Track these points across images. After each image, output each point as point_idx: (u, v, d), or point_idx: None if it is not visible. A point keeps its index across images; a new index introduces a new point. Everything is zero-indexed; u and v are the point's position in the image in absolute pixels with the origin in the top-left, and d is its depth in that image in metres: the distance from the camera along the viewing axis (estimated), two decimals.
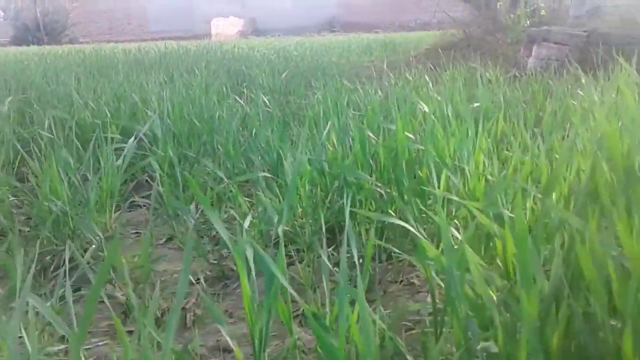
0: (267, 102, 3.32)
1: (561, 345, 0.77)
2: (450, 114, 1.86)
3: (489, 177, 1.47)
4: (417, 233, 0.95)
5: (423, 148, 1.67)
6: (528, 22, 5.42)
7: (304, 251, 1.62)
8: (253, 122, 2.65)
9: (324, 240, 0.98)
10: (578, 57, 4.84)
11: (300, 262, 1.58)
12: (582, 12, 5.35)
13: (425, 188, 1.59)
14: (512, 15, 5.37)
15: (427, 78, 2.91)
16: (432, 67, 5.02)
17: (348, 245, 0.94)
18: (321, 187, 1.84)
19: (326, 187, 1.83)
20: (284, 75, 4.38)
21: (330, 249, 1.73)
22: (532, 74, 4.45)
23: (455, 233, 1.05)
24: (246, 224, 1.17)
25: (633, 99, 1.09)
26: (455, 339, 0.86)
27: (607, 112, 1.16)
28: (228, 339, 0.99)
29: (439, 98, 2.63)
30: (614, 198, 0.87)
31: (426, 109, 1.80)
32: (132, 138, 2.10)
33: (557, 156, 1.11)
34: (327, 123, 2.05)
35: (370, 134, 1.69)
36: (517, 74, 4.44)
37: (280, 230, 1.05)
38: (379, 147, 1.71)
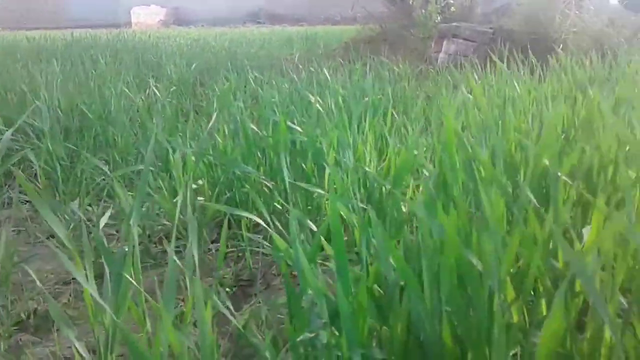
0: (171, 93, 3.22)
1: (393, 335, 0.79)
2: (333, 107, 1.86)
3: (367, 169, 1.48)
4: (267, 227, 0.94)
5: (305, 139, 1.66)
6: (439, 18, 5.56)
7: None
8: (149, 115, 2.56)
9: (173, 238, 0.95)
10: (484, 52, 5.01)
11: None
12: (490, 10, 5.56)
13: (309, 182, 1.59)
14: (423, 11, 5.49)
15: (326, 72, 2.91)
16: (350, 61, 5.07)
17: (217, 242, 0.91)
18: (209, 180, 1.80)
19: (213, 180, 1.79)
20: (194, 66, 4.27)
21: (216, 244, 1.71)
22: (440, 68, 4.58)
23: (312, 225, 1.04)
24: (104, 220, 1.12)
25: (482, 95, 1.13)
26: (297, 328, 0.85)
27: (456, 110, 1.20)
28: (77, 344, 0.94)
29: (341, 91, 2.65)
30: (455, 190, 0.89)
31: (313, 100, 1.80)
32: (10, 130, 1.97)
33: (415, 151, 1.14)
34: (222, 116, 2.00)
35: (254, 127, 1.66)
36: (424, 68, 4.56)
37: (133, 225, 1.00)
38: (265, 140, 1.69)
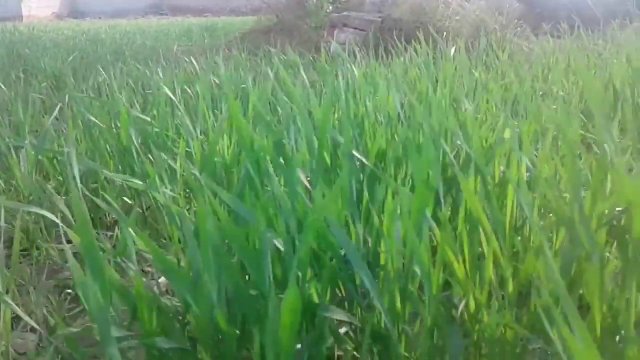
0: (40, 88, 3.04)
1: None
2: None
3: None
4: (59, 222, 0.89)
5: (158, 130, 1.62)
6: (330, 7, 5.61)
7: None
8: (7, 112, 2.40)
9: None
10: (374, 41, 5.12)
11: None
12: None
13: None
14: (314, 1, 5.52)
15: (195, 63, 2.85)
16: (243, 52, 5.00)
17: None
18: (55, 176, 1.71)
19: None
20: (70, 58, 4.05)
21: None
22: (330, 57, 4.63)
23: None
24: None
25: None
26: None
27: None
28: None
29: (215, 81, 2.60)
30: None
31: (168, 92, 1.75)
32: None
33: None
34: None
35: (94, 119, 1.59)
36: (315, 57, 4.59)
37: None
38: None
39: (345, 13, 5.46)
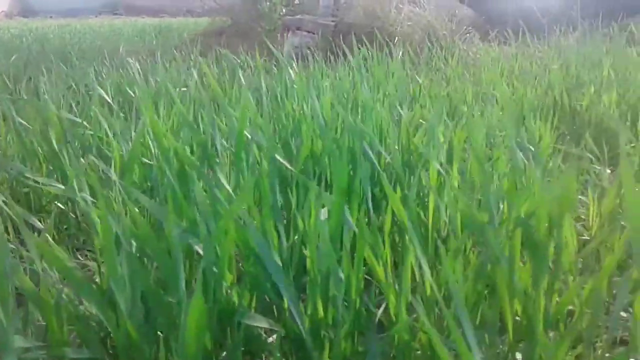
0: None
1: None
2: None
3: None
4: None
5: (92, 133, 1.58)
6: (284, 10, 5.60)
7: None
8: None
9: None
10: (327, 45, 5.14)
11: None
12: (331, 3, 5.70)
13: None
14: (268, 3, 5.50)
15: (138, 65, 2.80)
16: (194, 54, 4.93)
17: None
18: None
19: None
20: (13, 58, 3.92)
21: None
22: (283, 60, 4.61)
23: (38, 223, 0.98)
24: None
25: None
26: None
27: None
28: None
29: (157, 80, 2.55)
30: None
31: (103, 93, 1.70)
32: None
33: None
34: None
35: (24, 122, 1.54)
36: (267, 60, 4.57)
37: None
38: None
39: (298, 16, 5.47)
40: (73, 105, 2.01)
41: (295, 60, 4.76)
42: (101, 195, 0.69)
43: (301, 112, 1.46)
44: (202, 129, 1.40)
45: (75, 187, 0.92)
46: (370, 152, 1.01)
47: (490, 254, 0.78)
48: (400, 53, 3.10)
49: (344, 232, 0.87)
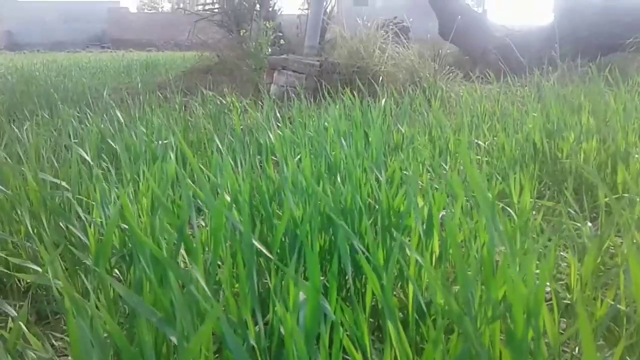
0: None
1: None
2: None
3: None
4: None
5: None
6: (270, 49, 5.66)
7: None
8: None
9: None
10: (312, 84, 5.19)
11: None
12: (316, 43, 5.77)
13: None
14: (253, 43, 5.56)
15: (120, 115, 2.79)
16: (178, 93, 4.95)
17: None
18: None
19: None
20: None
21: None
22: (269, 100, 4.64)
23: None
24: None
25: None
26: None
27: None
28: None
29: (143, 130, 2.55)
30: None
31: (82, 153, 1.70)
32: None
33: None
34: None
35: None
36: (253, 100, 4.60)
37: None
38: None
39: (284, 56, 5.52)
40: (54, 159, 1.99)
41: (281, 100, 4.81)
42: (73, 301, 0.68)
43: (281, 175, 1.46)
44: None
45: (50, 274, 0.90)
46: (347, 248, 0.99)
47: (469, 345, 0.77)
48: (384, 100, 3.13)
49: (321, 324, 0.85)
